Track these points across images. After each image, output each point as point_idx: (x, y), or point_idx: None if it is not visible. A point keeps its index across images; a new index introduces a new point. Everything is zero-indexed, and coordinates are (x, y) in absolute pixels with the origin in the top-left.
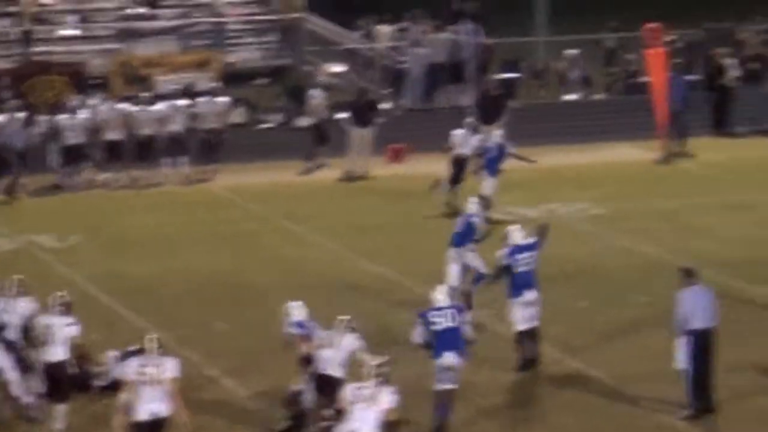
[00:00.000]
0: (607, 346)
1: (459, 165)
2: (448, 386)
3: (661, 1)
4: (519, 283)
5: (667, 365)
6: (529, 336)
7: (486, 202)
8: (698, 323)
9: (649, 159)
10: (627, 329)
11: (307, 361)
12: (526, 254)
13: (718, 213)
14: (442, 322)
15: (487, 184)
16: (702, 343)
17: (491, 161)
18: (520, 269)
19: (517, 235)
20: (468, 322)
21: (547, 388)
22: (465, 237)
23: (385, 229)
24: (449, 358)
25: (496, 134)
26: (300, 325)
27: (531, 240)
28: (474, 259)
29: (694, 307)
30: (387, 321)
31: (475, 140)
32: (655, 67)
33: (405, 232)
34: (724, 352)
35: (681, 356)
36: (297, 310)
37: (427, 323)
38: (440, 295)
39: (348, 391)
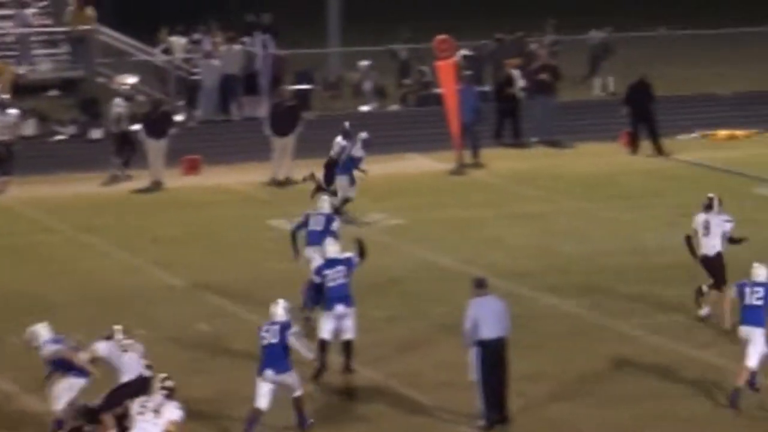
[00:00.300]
0: (405, 356)
1: (331, 168)
2: (259, 405)
3: (453, 12)
4: (331, 297)
5: (464, 375)
6: (342, 349)
7: (339, 204)
8: (489, 333)
9: (443, 170)
10: (425, 339)
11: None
12: (337, 268)
13: (510, 223)
14: (267, 337)
15: (340, 185)
16: (493, 353)
17: (344, 163)
18: (331, 283)
19: (331, 249)
20: (298, 335)
21: (344, 399)
22: (323, 235)
23: (180, 240)
24: (268, 374)
25: (360, 137)
26: (55, 341)
27: (344, 255)
28: (317, 261)
29: (485, 316)
30: (182, 332)
31: (341, 143)
32: (446, 79)
33: (201, 243)
34: (516, 362)
35: (473, 366)
36: (43, 330)
37: (259, 338)
38: (278, 309)
39: (134, 405)
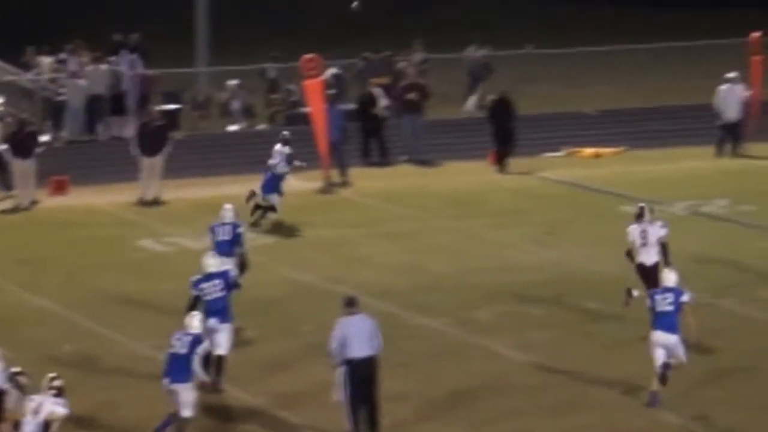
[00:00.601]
0: (273, 375)
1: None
2: (175, 410)
3: (323, 31)
4: (206, 310)
5: (332, 393)
6: (213, 365)
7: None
8: (358, 352)
9: (311, 189)
10: (292, 358)
11: None
12: (214, 282)
13: (379, 241)
14: (176, 346)
15: (272, 200)
16: (362, 372)
17: (269, 181)
18: (207, 297)
19: (210, 263)
20: (204, 352)
21: (207, 419)
22: (232, 245)
23: (47, 261)
24: (164, 383)
25: (284, 151)
26: None
27: (222, 269)
28: (234, 269)
29: (354, 335)
30: (51, 353)
31: (281, 150)
32: (314, 98)
33: (68, 264)
34: (384, 381)
35: (340, 385)
36: None
37: (168, 345)
38: (194, 322)
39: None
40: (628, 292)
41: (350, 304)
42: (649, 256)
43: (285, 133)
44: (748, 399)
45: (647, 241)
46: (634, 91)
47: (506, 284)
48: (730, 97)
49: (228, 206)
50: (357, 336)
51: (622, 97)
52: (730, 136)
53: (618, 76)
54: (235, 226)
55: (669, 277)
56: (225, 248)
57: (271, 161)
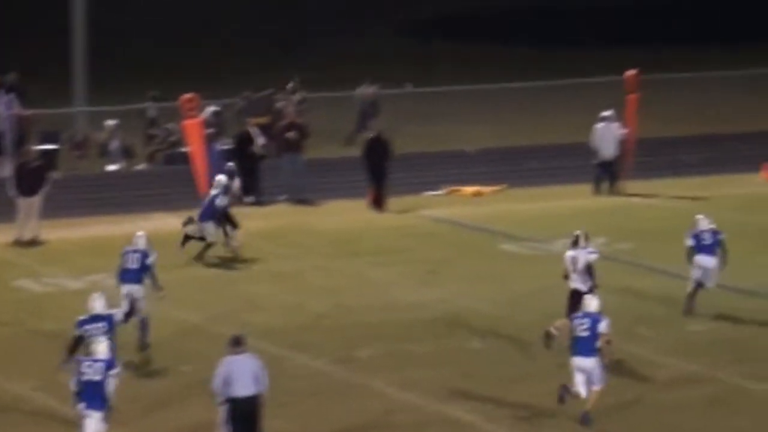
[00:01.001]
0: (153, 416)
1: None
2: None
3: (202, 69)
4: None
5: None
6: None
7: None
8: (241, 391)
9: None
10: (174, 399)
11: None
12: (98, 324)
13: (259, 281)
14: (88, 373)
15: (207, 232)
16: (245, 410)
17: (206, 210)
18: (91, 338)
19: (97, 305)
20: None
21: None
22: (140, 273)
23: None
24: (79, 407)
25: (221, 182)
26: None
27: (108, 311)
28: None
29: (238, 374)
30: None
31: (224, 182)
32: (193, 137)
33: None
34: (268, 420)
35: (223, 423)
36: None
37: (78, 372)
38: (101, 347)
39: None
40: (548, 335)
41: (237, 344)
42: (580, 283)
43: (230, 164)
44: None
45: (576, 267)
46: (513, 130)
47: (388, 323)
48: (606, 135)
49: (140, 233)
50: (241, 375)
51: (501, 136)
52: (607, 174)
53: (497, 114)
54: (144, 255)
55: (590, 303)
56: (131, 276)
57: (213, 191)
